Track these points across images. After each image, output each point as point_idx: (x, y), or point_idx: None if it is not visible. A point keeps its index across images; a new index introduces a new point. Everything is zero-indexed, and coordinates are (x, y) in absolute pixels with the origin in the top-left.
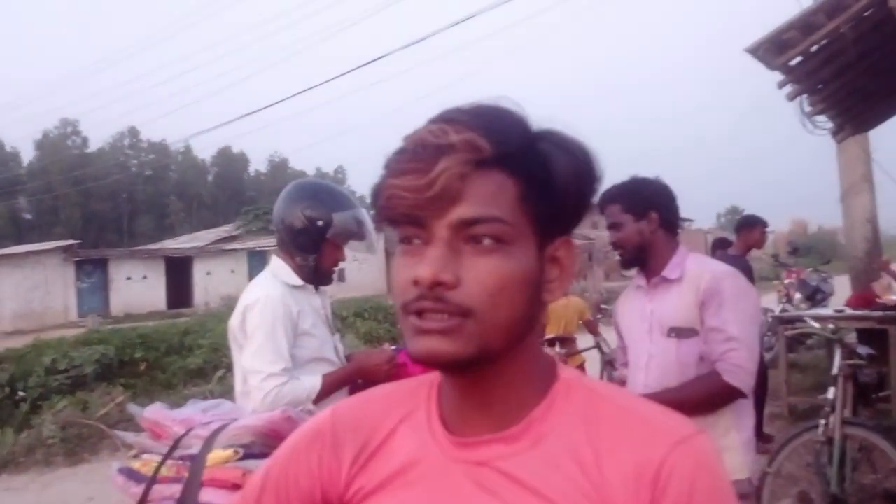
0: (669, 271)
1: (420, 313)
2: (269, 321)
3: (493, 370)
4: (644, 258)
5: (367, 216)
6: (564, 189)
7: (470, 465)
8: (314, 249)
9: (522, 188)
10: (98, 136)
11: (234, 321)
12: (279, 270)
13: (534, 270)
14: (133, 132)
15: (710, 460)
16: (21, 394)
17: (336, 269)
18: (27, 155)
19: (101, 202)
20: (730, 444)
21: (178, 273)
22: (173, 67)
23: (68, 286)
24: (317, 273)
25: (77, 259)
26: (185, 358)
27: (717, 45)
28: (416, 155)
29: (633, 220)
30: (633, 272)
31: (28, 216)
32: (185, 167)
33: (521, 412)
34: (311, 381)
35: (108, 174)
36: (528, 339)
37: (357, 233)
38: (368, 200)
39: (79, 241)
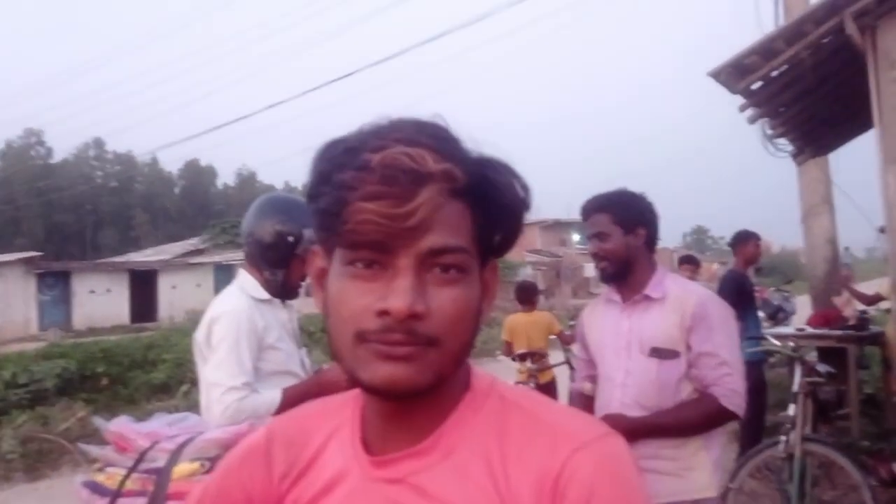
0: (652, 290)
1: (385, 342)
2: (233, 334)
3: (428, 394)
4: (625, 273)
5: None
6: (508, 217)
7: (385, 483)
8: (283, 264)
9: (477, 217)
10: (63, 146)
11: (199, 334)
12: (246, 284)
13: (479, 297)
14: (98, 143)
15: (613, 464)
16: None
17: (303, 283)
18: None
19: (65, 214)
20: (699, 463)
21: (143, 287)
22: (141, 79)
23: (29, 299)
24: (284, 288)
25: (39, 271)
26: (148, 373)
27: (683, 70)
28: (392, 179)
29: (621, 232)
30: (601, 288)
31: None
32: (151, 179)
33: (434, 426)
34: (272, 395)
35: (73, 185)
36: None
37: None
38: (317, 214)
39: (41, 253)
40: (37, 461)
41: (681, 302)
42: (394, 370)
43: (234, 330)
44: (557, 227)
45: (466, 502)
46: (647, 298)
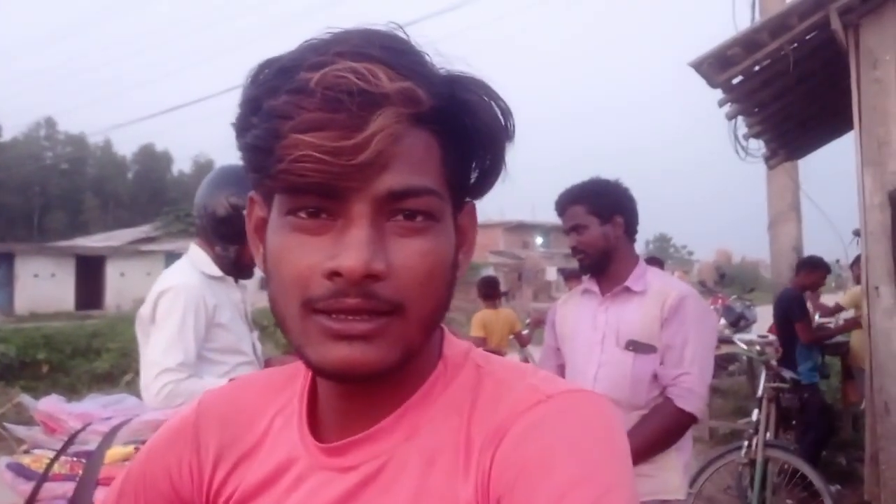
0: (633, 282)
1: (335, 313)
2: (179, 311)
3: (394, 372)
4: (604, 264)
5: None
6: (485, 147)
7: (338, 471)
8: (236, 240)
9: (447, 149)
10: (12, 124)
11: (144, 310)
12: (197, 259)
13: (454, 247)
14: (50, 123)
15: (577, 412)
16: None
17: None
18: None
19: (12, 195)
20: (670, 464)
21: (90, 273)
22: (96, 56)
23: None
24: (237, 265)
25: None
26: (91, 361)
27: (648, 71)
28: (336, 103)
29: (598, 223)
30: (562, 294)
31: None
32: (103, 163)
33: (398, 403)
34: (214, 382)
35: (22, 165)
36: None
37: None
38: (245, 151)
39: None
40: None
41: (662, 295)
42: (349, 352)
43: (181, 306)
44: (521, 229)
45: (430, 492)
46: (628, 291)
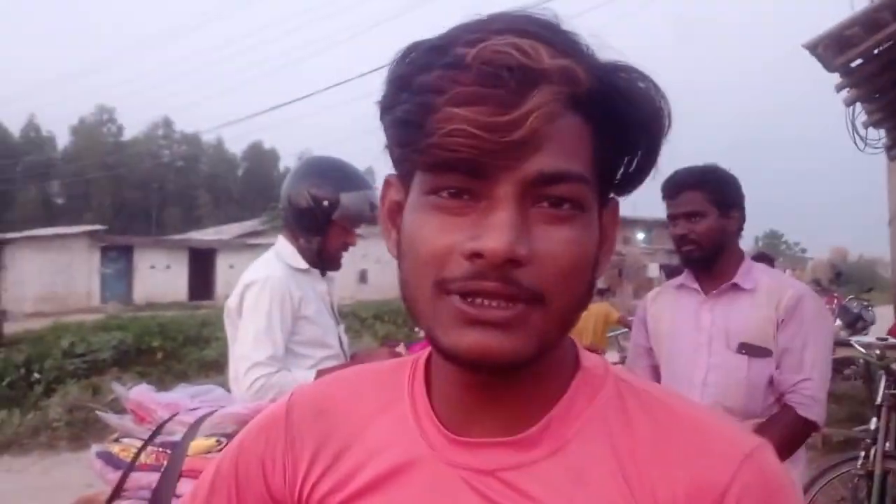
0: (741, 279)
1: (471, 296)
2: (265, 304)
3: (529, 364)
4: (713, 260)
5: None
6: (640, 140)
7: (472, 472)
8: (319, 231)
9: (598, 138)
10: (133, 121)
11: (231, 301)
12: (283, 251)
13: (597, 244)
14: (167, 122)
15: (782, 478)
16: (36, 375)
17: (344, 253)
18: (63, 140)
19: (133, 191)
20: None
21: (202, 265)
22: (208, 54)
23: (92, 271)
24: (321, 257)
25: (103, 245)
26: (201, 349)
27: (756, 55)
28: (494, 78)
29: (717, 214)
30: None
31: (60, 201)
32: (215, 160)
33: (538, 411)
34: (304, 375)
35: (141, 163)
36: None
37: (368, 216)
38: (392, 128)
39: (105, 227)
40: (82, 430)
41: (775, 293)
42: (484, 338)
43: (267, 299)
44: (622, 223)
45: None
46: (736, 288)
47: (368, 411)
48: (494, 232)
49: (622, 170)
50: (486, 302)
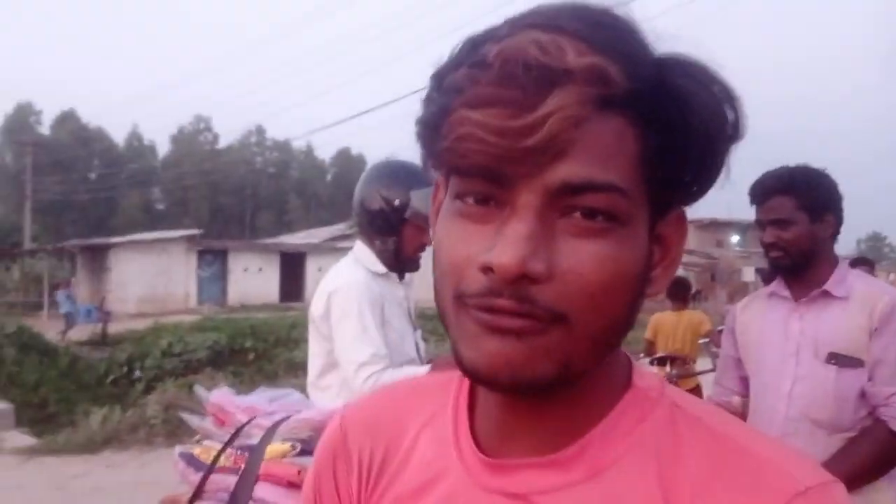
0: (834, 286)
1: (487, 312)
2: (354, 307)
3: (563, 389)
4: (804, 266)
5: None
6: (697, 145)
7: (503, 496)
8: (392, 232)
9: (645, 143)
10: (228, 129)
11: (316, 309)
12: (361, 256)
13: (644, 259)
14: (260, 130)
15: None
16: (137, 373)
17: (422, 253)
18: (163, 148)
19: (227, 196)
20: (881, 496)
21: (292, 267)
22: (297, 62)
23: (190, 274)
24: (398, 258)
25: (199, 248)
26: (291, 350)
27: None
28: (510, 78)
29: (808, 220)
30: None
31: (160, 206)
32: (305, 167)
33: (577, 430)
34: (415, 370)
35: (235, 170)
36: (617, 348)
37: None
38: (417, 128)
39: (201, 231)
40: (178, 427)
41: (869, 301)
42: (500, 347)
43: (356, 302)
44: (714, 226)
45: None
46: (827, 295)
47: (415, 427)
48: (507, 245)
49: (683, 178)
50: (501, 315)
